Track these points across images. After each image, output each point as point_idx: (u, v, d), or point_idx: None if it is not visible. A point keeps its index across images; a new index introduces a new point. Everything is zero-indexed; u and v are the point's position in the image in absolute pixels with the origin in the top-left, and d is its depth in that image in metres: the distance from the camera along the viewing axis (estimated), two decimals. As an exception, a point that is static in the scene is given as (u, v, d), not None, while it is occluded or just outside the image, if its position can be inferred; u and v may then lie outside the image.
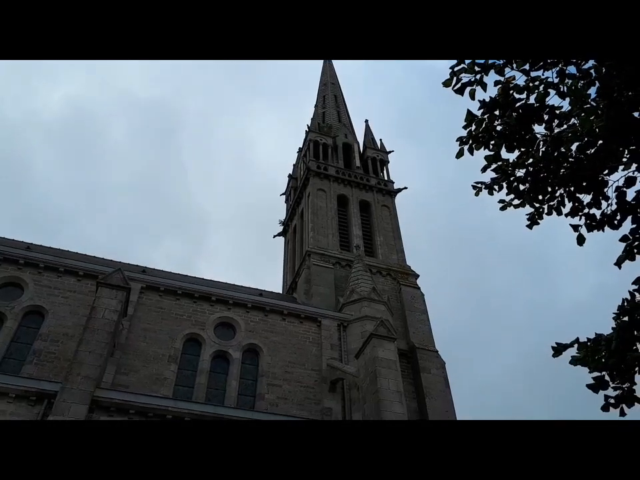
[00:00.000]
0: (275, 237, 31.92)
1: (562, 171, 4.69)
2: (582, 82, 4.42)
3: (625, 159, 4.49)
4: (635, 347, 4.39)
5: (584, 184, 4.69)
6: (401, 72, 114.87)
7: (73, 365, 12.04)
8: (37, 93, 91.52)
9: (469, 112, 4.74)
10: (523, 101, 4.60)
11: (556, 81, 4.50)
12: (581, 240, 4.82)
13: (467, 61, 4.48)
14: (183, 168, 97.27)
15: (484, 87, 4.53)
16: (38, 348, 14.62)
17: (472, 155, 4.87)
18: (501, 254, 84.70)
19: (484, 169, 4.92)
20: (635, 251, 4.59)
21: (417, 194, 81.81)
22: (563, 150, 4.63)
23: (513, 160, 4.86)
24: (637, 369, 4.31)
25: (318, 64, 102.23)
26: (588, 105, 4.45)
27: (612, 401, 4.33)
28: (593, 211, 4.77)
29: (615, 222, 4.68)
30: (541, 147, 4.73)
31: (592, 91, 4.44)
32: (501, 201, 4.98)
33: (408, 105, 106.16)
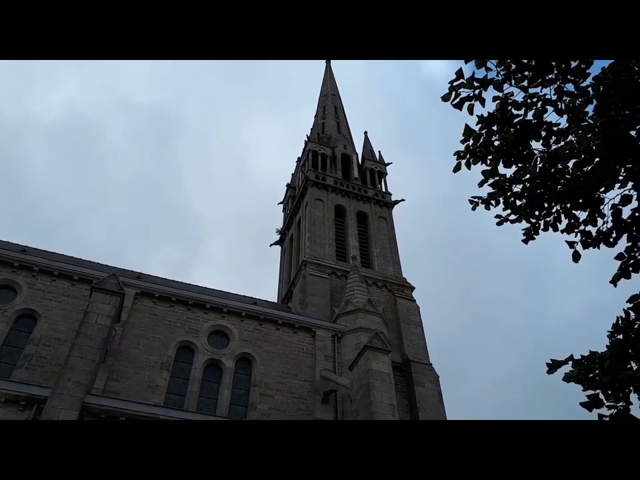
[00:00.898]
0: (271, 245, 31.92)
1: (558, 187, 4.70)
2: (580, 99, 4.45)
3: (621, 177, 4.51)
4: (629, 366, 4.37)
5: (580, 201, 4.70)
6: (400, 84, 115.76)
7: (64, 370, 11.91)
8: (36, 95, 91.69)
9: (467, 127, 4.76)
10: (521, 117, 4.63)
11: (554, 98, 4.53)
12: (576, 256, 4.82)
13: (466, 76, 4.51)
14: (180, 173, 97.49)
15: (482, 102, 4.55)
16: (29, 352, 14.50)
17: (469, 169, 4.88)
18: (497, 267, 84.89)
19: (481, 184, 4.93)
20: (631, 269, 4.59)
21: (413, 205, 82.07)
22: (560, 166, 4.65)
23: (510, 175, 4.87)
24: (631, 387, 4.29)
25: (318, 72, 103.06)
26: (585, 123, 4.47)
27: (606, 419, 4.30)
28: (589, 228, 4.78)
29: (611, 239, 4.69)
30: (538, 163, 4.75)
31: (589, 109, 4.47)
32: (498, 216, 4.98)
33: (407, 116, 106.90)
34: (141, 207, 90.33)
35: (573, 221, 4.80)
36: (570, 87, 4.48)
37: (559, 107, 4.53)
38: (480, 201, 4.99)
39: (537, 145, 4.75)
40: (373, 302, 19.46)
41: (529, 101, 4.56)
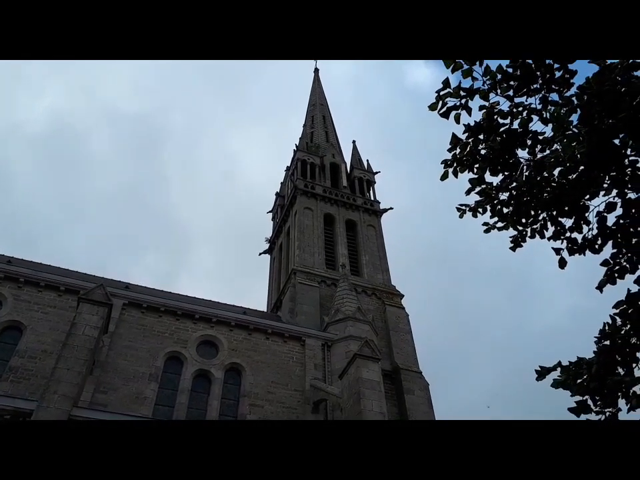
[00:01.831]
0: (260, 254, 31.85)
1: (545, 195, 4.76)
2: (564, 109, 4.51)
3: (605, 185, 4.57)
4: (616, 371, 4.42)
5: (566, 208, 4.76)
6: (386, 93, 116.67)
7: (50, 382, 11.73)
8: (20, 103, 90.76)
9: (453, 135, 4.81)
10: (507, 126, 4.68)
11: (539, 107, 4.60)
12: (562, 263, 4.88)
13: (453, 86, 4.56)
14: (166, 182, 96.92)
15: (469, 111, 4.60)
16: (15, 364, 14.27)
17: (456, 177, 4.93)
18: (483, 274, 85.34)
19: (468, 192, 4.98)
20: (616, 275, 4.65)
21: (401, 213, 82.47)
22: (546, 174, 4.70)
23: (497, 183, 4.92)
24: (619, 393, 4.33)
25: (306, 81, 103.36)
26: (570, 132, 4.54)
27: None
28: (575, 235, 4.84)
29: (596, 246, 4.75)
30: (524, 171, 4.81)
31: (574, 118, 4.54)
32: (485, 224, 5.03)
33: (393, 125, 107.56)
34: (126, 216, 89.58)
35: (559, 228, 4.85)
36: (554, 96, 4.55)
37: (544, 116, 4.59)
38: (467, 209, 5.03)
39: (522, 154, 4.81)
40: (362, 310, 19.46)
41: (514, 110, 4.62)
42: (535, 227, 4.95)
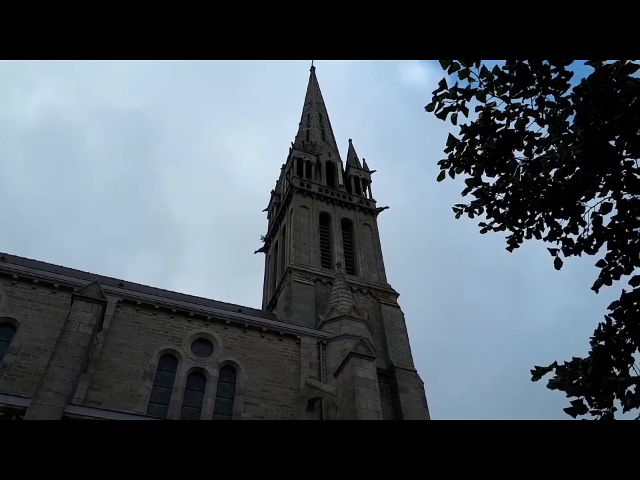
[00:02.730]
0: (256, 252, 31.81)
1: (541, 195, 4.77)
2: (560, 110, 4.53)
3: (601, 186, 4.59)
4: (612, 372, 4.44)
5: (562, 209, 4.78)
6: (383, 92, 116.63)
7: (44, 379, 11.68)
8: (12, 99, 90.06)
9: (450, 136, 4.82)
10: (503, 127, 4.69)
11: (535, 108, 4.61)
12: (558, 263, 4.90)
13: (450, 87, 4.56)
14: (160, 181, 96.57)
15: (465, 112, 4.61)
16: (8, 362, 14.19)
17: (453, 178, 4.93)
18: (478, 274, 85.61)
19: (464, 192, 4.98)
20: (612, 275, 4.68)
21: (397, 212, 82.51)
22: (542, 175, 4.72)
23: (493, 184, 4.94)
24: (614, 393, 4.35)
25: (302, 80, 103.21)
26: (566, 133, 4.55)
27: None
28: (570, 235, 4.86)
29: (592, 247, 4.77)
30: (520, 171, 4.82)
31: (570, 119, 4.56)
32: (482, 224, 5.04)
33: (389, 125, 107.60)
34: (120, 214, 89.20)
35: (555, 228, 4.87)
36: (551, 97, 4.57)
37: (540, 117, 4.61)
38: (464, 209, 5.04)
39: (519, 154, 4.83)
40: (357, 309, 19.48)
41: (511, 111, 4.63)
42: (531, 227, 4.97)
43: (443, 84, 4.50)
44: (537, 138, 4.72)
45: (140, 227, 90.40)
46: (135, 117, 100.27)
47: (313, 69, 43.79)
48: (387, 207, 29.34)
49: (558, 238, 4.90)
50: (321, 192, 28.34)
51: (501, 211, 4.96)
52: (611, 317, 4.62)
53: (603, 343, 4.56)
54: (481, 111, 4.67)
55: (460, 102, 4.56)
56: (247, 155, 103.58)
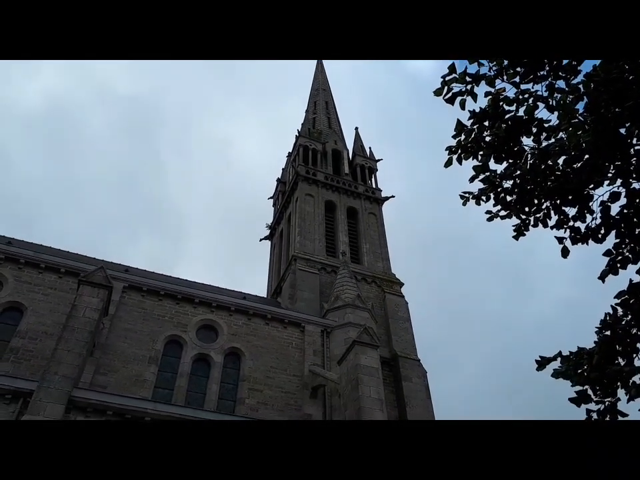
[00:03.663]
0: (261, 240, 31.82)
1: (548, 183, 4.73)
2: (570, 97, 4.46)
3: (610, 174, 4.54)
4: (617, 362, 4.42)
5: (570, 197, 4.73)
6: (388, 79, 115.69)
7: (50, 363, 11.80)
8: (14, 84, 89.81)
9: (458, 122, 4.76)
10: (512, 113, 4.64)
11: (545, 94, 4.55)
12: (565, 252, 4.86)
13: (459, 71, 4.50)
14: (162, 166, 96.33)
15: (474, 97, 4.56)
16: (15, 345, 14.34)
17: (460, 164, 4.89)
18: (482, 263, 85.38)
19: (472, 179, 4.94)
20: (619, 265, 4.64)
21: (402, 201, 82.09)
22: (550, 163, 4.67)
23: (501, 171, 4.89)
24: (619, 383, 4.34)
25: (307, 66, 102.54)
26: (576, 120, 4.49)
27: (594, 415, 4.35)
28: (578, 224, 4.82)
29: (599, 236, 4.73)
30: (528, 159, 4.77)
31: (580, 106, 4.49)
32: (488, 212, 5.00)
33: (395, 112, 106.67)
34: (121, 199, 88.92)
35: (562, 217, 4.83)
36: (561, 83, 4.50)
37: (550, 103, 4.54)
38: (470, 197, 5.00)
39: (527, 141, 4.78)
40: (362, 297, 19.50)
41: (520, 97, 4.57)
42: (538, 215, 4.93)
43: (452, 68, 4.45)
44: (546, 125, 4.67)
45: (142, 213, 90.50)
46: (137, 101, 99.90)
47: (320, 56, 43.41)
48: (393, 196, 29.21)
49: (565, 226, 4.86)
50: (327, 180, 28.24)
51: (508, 198, 4.92)
52: (617, 307, 4.59)
53: (608, 332, 4.53)
54: (490, 97, 4.62)
55: (469, 87, 4.51)
56: (252, 141, 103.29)
